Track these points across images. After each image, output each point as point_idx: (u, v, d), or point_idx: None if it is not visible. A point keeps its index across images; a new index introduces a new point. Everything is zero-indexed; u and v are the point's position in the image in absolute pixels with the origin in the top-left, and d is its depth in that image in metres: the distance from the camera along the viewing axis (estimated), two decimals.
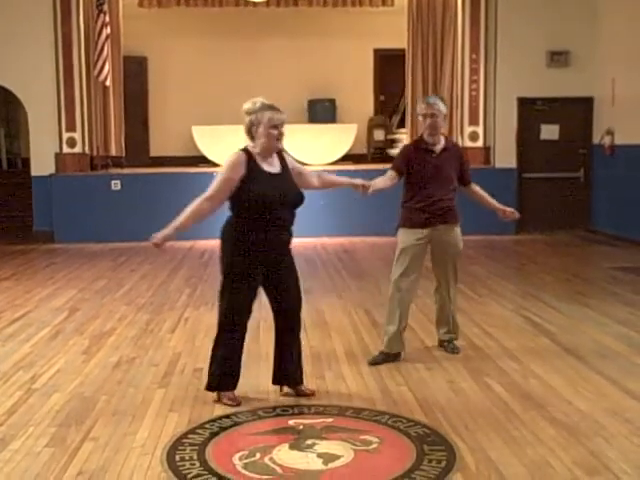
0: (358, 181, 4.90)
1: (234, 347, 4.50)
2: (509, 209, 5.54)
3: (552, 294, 7.39)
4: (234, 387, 4.54)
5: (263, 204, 4.33)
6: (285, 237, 4.49)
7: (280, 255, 4.50)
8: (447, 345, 5.49)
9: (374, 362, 5.21)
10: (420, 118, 5.29)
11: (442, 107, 5.22)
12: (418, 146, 5.34)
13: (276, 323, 4.67)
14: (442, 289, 5.45)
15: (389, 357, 5.24)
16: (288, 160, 4.59)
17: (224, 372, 4.50)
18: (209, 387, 4.56)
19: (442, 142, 5.29)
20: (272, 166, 4.45)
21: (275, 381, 4.69)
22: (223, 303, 4.50)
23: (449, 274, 5.41)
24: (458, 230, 5.41)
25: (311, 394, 4.62)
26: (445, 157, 5.26)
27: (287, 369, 4.63)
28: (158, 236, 4.36)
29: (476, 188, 5.54)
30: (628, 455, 3.71)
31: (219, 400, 4.51)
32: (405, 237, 5.27)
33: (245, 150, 4.43)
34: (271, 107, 4.43)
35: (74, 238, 11.17)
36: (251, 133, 4.43)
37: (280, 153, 4.54)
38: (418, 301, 7.12)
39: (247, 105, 4.46)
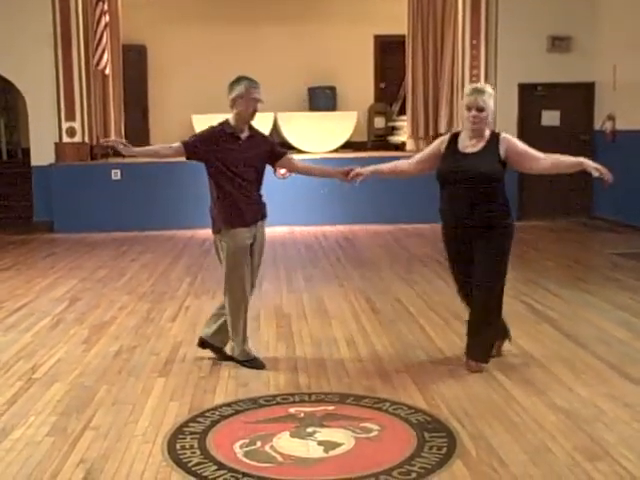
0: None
1: None
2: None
3: (553, 280, 7.38)
4: None
5: (440, 181, 4.80)
6: (467, 215, 4.65)
7: (472, 230, 4.67)
8: None
9: None
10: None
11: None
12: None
13: None
14: None
15: None
16: (505, 141, 4.80)
17: None
18: None
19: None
20: (471, 145, 4.74)
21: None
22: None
23: None
24: None
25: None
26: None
27: None
28: (363, 170, 4.98)
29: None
30: (628, 440, 3.71)
31: None
32: None
33: (454, 132, 4.91)
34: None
35: (74, 228, 11.16)
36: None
37: (496, 135, 4.81)
38: (418, 288, 7.14)
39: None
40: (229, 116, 4.95)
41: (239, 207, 4.86)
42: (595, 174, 4.60)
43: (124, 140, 4.79)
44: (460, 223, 4.68)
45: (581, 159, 4.74)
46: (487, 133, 4.71)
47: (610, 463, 3.48)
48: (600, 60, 11.51)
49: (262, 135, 5.11)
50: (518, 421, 3.98)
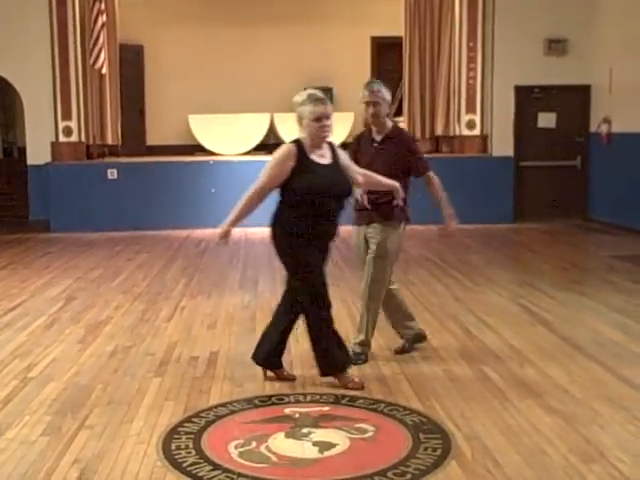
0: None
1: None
2: (451, 223, 5.07)
3: (549, 282, 7.38)
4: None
5: (312, 194, 4.37)
6: (333, 227, 4.51)
7: (328, 243, 4.56)
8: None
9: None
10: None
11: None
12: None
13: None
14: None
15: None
16: (338, 152, 4.61)
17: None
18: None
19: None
20: (322, 157, 4.48)
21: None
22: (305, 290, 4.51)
23: None
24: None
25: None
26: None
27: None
28: (221, 234, 4.50)
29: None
30: (624, 443, 3.71)
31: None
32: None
33: (296, 141, 4.47)
34: (316, 99, 4.41)
35: (70, 227, 11.15)
36: (301, 124, 4.46)
37: (331, 144, 4.57)
38: (414, 289, 7.14)
39: (295, 98, 4.49)
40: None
41: None
42: (399, 202, 4.71)
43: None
44: (325, 238, 4.55)
45: (392, 184, 4.69)
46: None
47: (605, 465, 3.48)
48: (596, 63, 11.53)
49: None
50: (513, 423, 3.99)
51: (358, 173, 4.68)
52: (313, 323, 4.57)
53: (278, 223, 4.50)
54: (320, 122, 4.38)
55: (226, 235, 4.51)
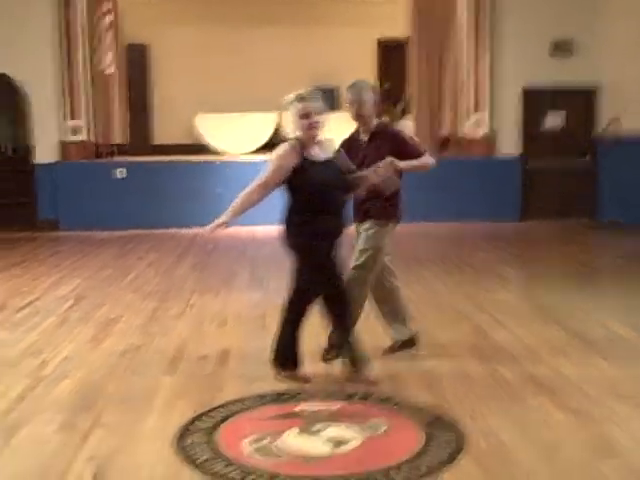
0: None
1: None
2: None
3: (559, 280, 7.37)
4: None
5: (314, 191, 4.41)
6: (338, 222, 4.53)
7: (335, 240, 4.55)
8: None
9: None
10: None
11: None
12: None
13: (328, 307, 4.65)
14: None
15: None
16: (335, 148, 4.70)
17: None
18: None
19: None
20: (319, 154, 4.51)
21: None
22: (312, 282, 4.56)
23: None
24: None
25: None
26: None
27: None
28: (213, 226, 4.44)
29: None
30: (638, 438, 3.70)
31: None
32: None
33: (297, 139, 4.49)
34: (301, 98, 4.44)
35: (79, 226, 11.18)
36: (294, 124, 4.50)
37: (327, 141, 4.61)
38: (424, 287, 7.13)
39: (285, 99, 4.51)
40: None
41: None
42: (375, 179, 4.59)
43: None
44: (339, 234, 4.56)
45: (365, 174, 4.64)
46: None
47: (621, 460, 3.47)
48: (603, 64, 11.50)
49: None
50: (526, 420, 3.98)
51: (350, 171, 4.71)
52: (284, 316, 4.66)
53: (286, 224, 4.52)
54: (308, 119, 4.41)
55: (219, 227, 4.44)
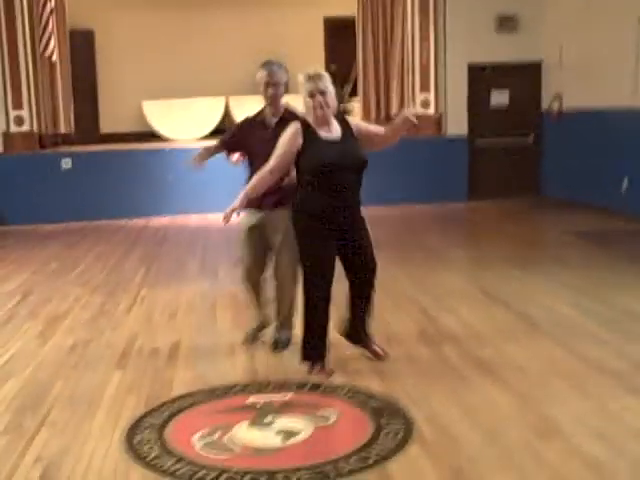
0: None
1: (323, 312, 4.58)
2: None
3: (504, 261, 7.48)
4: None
5: (321, 170, 4.41)
6: (350, 201, 4.52)
7: (350, 219, 4.54)
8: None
9: None
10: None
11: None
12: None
13: (351, 289, 4.69)
14: None
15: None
16: (353, 124, 4.64)
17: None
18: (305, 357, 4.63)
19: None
20: (330, 132, 4.50)
21: (347, 337, 4.85)
22: (305, 269, 4.55)
23: None
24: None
25: (383, 355, 4.75)
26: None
27: (357, 327, 4.80)
28: (227, 210, 4.44)
29: None
30: (579, 419, 3.81)
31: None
32: None
33: (302, 120, 4.52)
34: (308, 77, 4.45)
35: (25, 219, 10.95)
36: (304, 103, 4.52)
37: (344, 118, 4.62)
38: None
39: (299, 77, 4.51)
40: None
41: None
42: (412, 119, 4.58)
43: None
44: (339, 214, 4.49)
45: (404, 111, 4.70)
46: (333, 118, 4.55)
47: (561, 441, 3.57)
48: (547, 39, 11.64)
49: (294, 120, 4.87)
50: (473, 403, 4.06)
51: (379, 128, 4.79)
52: (303, 304, 4.63)
53: (295, 203, 4.54)
54: (314, 98, 4.41)
55: (233, 213, 4.47)
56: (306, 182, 4.49)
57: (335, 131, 4.53)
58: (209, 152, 5.16)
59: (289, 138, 4.47)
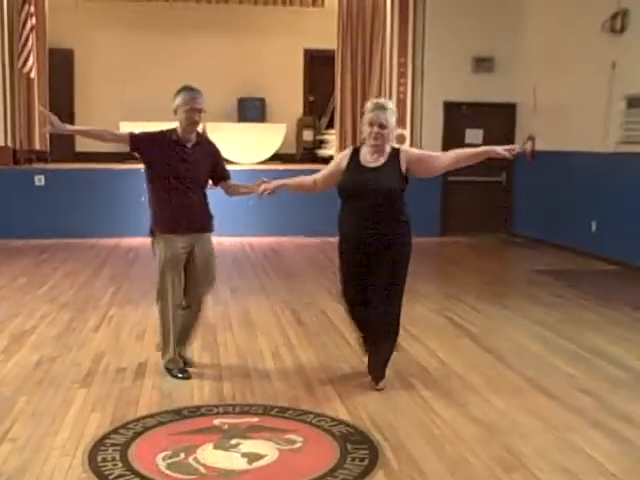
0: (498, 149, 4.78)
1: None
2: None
3: (474, 295, 7.57)
4: None
5: (343, 194, 4.72)
6: (371, 229, 4.63)
7: (374, 246, 4.65)
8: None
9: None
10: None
11: None
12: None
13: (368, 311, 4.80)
14: None
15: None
16: (404, 155, 4.74)
17: None
18: None
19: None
20: (374, 161, 4.68)
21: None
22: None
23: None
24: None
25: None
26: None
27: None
28: (269, 186, 4.82)
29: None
30: (543, 452, 3.84)
31: None
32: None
33: (355, 147, 4.85)
34: (374, 107, 4.70)
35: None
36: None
37: (396, 150, 4.74)
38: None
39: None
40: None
41: (175, 214, 4.86)
42: (508, 155, 4.70)
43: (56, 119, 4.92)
44: (362, 239, 4.66)
45: (488, 148, 4.90)
46: (388, 149, 4.71)
47: (525, 474, 3.60)
48: (521, 81, 11.88)
49: (212, 147, 5.10)
50: (438, 433, 4.08)
51: (442, 158, 4.91)
52: None
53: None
54: (372, 127, 4.61)
55: (272, 190, 4.79)
56: (341, 204, 4.77)
57: (381, 159, 4.68)
58: (118, 137, 5.22)
59: (338, 160, 4.85)
